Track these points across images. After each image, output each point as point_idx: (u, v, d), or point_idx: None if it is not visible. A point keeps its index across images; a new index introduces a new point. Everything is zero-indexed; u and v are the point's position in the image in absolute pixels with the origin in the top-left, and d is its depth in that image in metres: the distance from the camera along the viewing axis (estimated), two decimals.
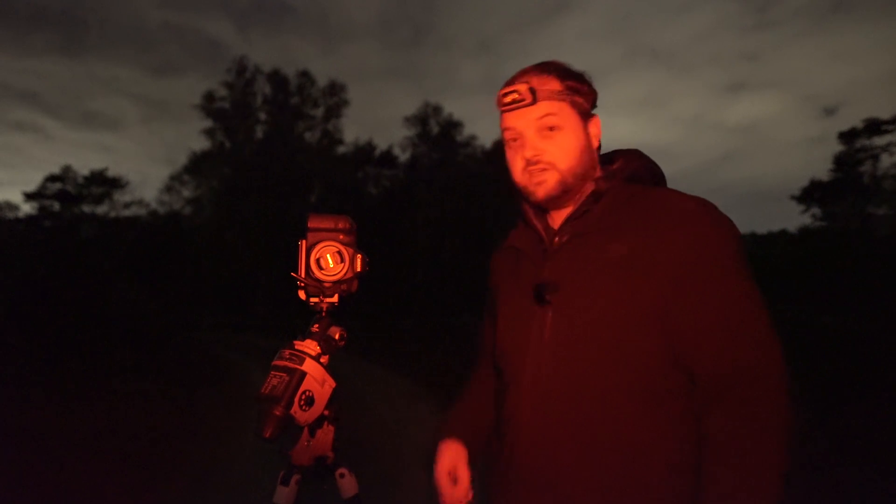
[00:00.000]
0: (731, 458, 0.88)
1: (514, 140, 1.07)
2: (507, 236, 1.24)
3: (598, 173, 1.10)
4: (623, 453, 0.96)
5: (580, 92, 1.06)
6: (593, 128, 1.09)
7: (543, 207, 1.10)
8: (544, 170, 1.04)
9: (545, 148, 1.04)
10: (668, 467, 0.94)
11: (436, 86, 68.35)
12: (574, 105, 1.05)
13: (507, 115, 1.07)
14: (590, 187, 1.09)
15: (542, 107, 1.03)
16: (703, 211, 0.98)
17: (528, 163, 1.05)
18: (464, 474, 1.17)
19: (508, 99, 1.05)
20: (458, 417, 1.27)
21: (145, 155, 70.65)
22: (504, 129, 1.09)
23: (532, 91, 1.03)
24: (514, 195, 1.17)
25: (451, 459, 1.18)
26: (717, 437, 0.91)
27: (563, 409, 1.00)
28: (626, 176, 1.09)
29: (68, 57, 71.55)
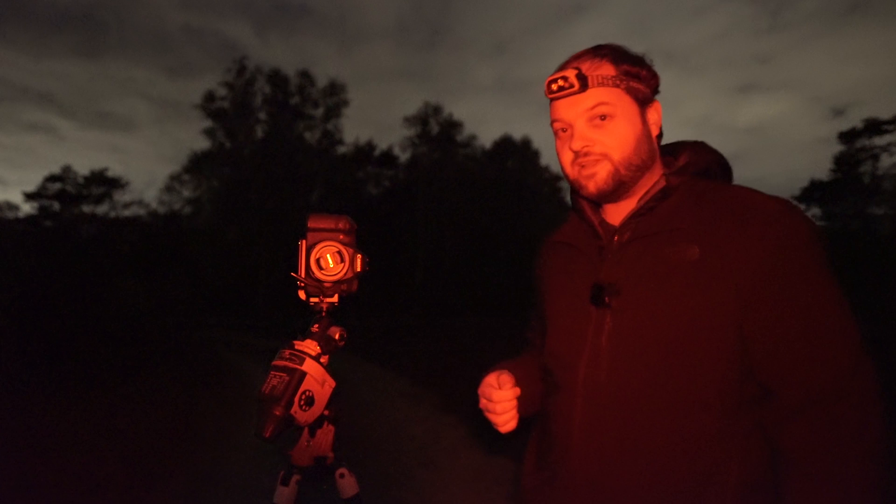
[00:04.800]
0: (815, 477, 0.83)
1: (564, 131, 1.01)
2: (558, 230, 1.15)
3: (660, 165, 1.03)
4: (693, 471, 0.89)
5: (637, 76, 0.98)
6: (653, 114, 1.00)
7: (597, 202, 1.04)
8: (596, 161, 0.97)
9: (596, 138, 0.96)
10: (741, 485, 0.88)
11: (449, 87, 68.53)
12: (630, 91, 0.97)
13: (555, 104, 1.00)
14: (651, 181, 1.01)
15: (593, 94, 0.96)
16: (785, 212, 0.89)
17: (577, 155, 0.98)
18: (508, 379, 1.05)
19: (555, 86, 0.97)
20: (508, 366, 1.15)
21: (156, 156, 70.91)
22: (553, 121, 1.02)
23: (581, 78, 0.95)
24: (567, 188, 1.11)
25: (496, 374, 1.08)
26: (799, 455, 0.86)
27: (620, 420, 0.93)
28: (697, 171, 1.00)
29: (86, 58, 71.94)
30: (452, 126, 36.25)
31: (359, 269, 1.16)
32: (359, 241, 1.20)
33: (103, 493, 3.54)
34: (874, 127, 25.63)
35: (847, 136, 26.71)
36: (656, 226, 0.95)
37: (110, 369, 8.03)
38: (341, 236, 1.16)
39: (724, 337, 0.88)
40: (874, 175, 26.27)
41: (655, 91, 1.02)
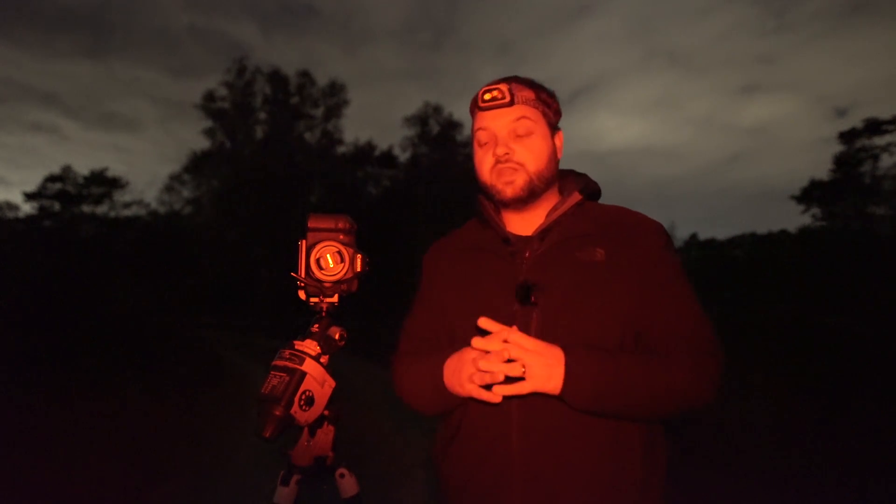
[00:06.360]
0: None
1: (486, 140, 1.13)
2: (457, 237, 1.27)
3: (557, 185, 1.18)
4: (615, 441, 1.04)
5: (550, 106, 1.14)
6: (558, 141, 1.16)
7: (507, 208, 1.15)
8: (514, 170, 1.10)
9: (517, 149, 1.10)
10: (643, 451, 1.05)
11: (452, 88, 68.38)
12: (544, 115, 1.13)
13: (483, 114, 1.12)
14: (553, 196, 1.16)
15: (519, 109, 1.10)
16: (661, 228, 1.13)
17: (499, 160, 1.10)
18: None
19: (489, 97, 1.10)
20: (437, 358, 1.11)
21: (161, 156, 70.92)
22: (477, 130, 1.14)
23: (511, 93, 1.09)
24: (474, 196, 1.23)
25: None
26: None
27: (555, 404, 1.01)
28: (588, 193, 1.17)
29: (91, 59, 71.79)
30: (452, 126, 36.23)
31: (359, 269, 1.16)
32: (359, 241, 1.20)
33: (104, 493, 3.54)
34: (874, 127, 25.59)
35: (847, 136, 26.67)
36: (567, 233, 1.11)
37: (110, 369, 8.03)
38: (341, 236, 1.16)
39: (625, 323, 1.05)
40: (874, 175, 26.25)
41: (557, 122, 1.17)
